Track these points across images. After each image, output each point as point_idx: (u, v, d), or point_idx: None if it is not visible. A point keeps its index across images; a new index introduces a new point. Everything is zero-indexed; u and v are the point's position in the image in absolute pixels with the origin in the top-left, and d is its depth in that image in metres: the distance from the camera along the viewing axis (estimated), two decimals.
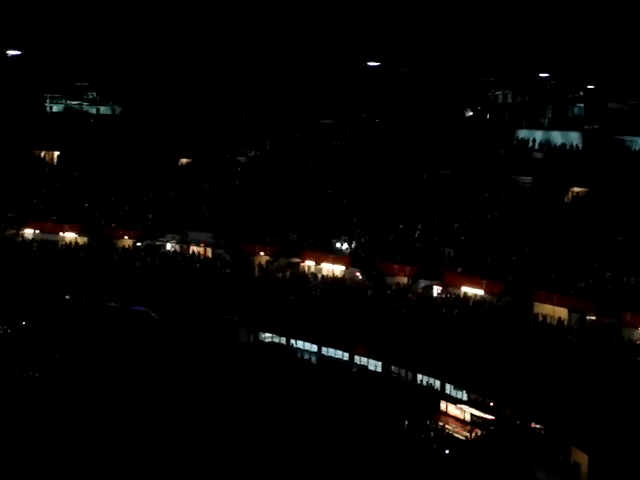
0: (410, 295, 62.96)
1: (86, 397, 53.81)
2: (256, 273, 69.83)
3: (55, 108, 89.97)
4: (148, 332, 65.23)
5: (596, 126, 73.12)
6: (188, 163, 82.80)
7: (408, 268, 64.55)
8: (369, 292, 64.35)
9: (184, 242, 74.20)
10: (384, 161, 74.54)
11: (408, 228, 67.52)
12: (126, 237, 75.53)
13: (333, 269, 68.43)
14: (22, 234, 77.04)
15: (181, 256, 73.40)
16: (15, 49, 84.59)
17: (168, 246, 74.71)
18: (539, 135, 72.61)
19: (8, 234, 76.64)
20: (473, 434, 52.06)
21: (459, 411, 54.93)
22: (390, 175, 73.10)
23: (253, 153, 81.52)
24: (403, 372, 59.55)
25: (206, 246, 73.37)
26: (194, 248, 73.76)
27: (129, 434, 48.82)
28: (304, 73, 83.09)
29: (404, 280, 64.52)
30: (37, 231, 76.88)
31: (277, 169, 78.38)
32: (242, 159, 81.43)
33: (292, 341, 65.41)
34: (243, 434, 49.42)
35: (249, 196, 75.98)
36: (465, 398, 55.80)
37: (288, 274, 68.99)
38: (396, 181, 72.48)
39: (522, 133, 73.70)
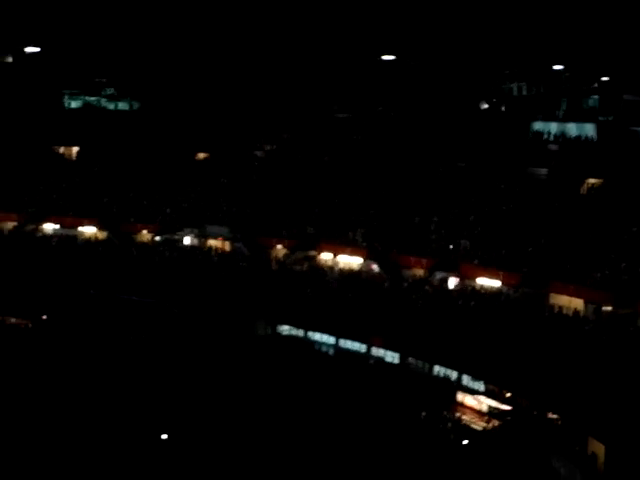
0: (427, 287, 63.30)
1: (104, 389, 54.25)
2: (273, 266, 70.22)
3: (73, 104, 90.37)
4: (167, 325, 65.68)
5: (611, 118, 73.18)
6: (205, 157, 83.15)
7: (424, 260, 64.92)
8: (386, 284, 64.70)
9: (202, 236, 74.61)
10: (400, 154, 74.76)
11: (424, 220, 67.79)
12: (145, 231, 76.01)
13: (350, 261, 68.78)
14: (42, 229, 77.64)
15: (199, 250, 73.88)
16: (33, 46, 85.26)
17: (186, 240, 75.17)
18: (554, 127, 72.66)
19: (28, 229, 77.25)
20: (490, 425, 52.35)
21: (476, 402, 55.22)
22: (406, 168, 73.33)
23: (270, 147, 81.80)
24: (420, 363, 59.78)
25: (224, 240, 73.78)
26: (212, 242, 74.21)
27: (146, 426, 49.28)
28: (319, 67, 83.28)
29: (420, 272, 64.88)
30: (57, 226, 77.43)
31: (294, 163, 78.68)
32: (259, 153, 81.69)
33: (310, 333, 65.69)
34: (259, 425, 49.78)
35: (266, 190, 76.30)
36: (482, 389, 56.05)
37: (305, 267, 69.38)
38: (412, 174, 72.71)
39: (537, 125, 73.74)
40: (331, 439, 48.30)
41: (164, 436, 47.70)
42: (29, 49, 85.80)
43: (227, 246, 73.75)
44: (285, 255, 70.95)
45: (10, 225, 77.68)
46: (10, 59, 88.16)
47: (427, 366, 59.16)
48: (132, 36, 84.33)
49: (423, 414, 52.36)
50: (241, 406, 52.40)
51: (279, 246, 71.66)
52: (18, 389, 53.53)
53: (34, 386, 54.17)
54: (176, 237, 74.91)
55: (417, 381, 57.39)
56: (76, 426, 48.81)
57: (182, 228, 75.09)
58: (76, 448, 46.28)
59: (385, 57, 79.47)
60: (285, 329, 66.64)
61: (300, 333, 65.90)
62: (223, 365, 58.85)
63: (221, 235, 73.81)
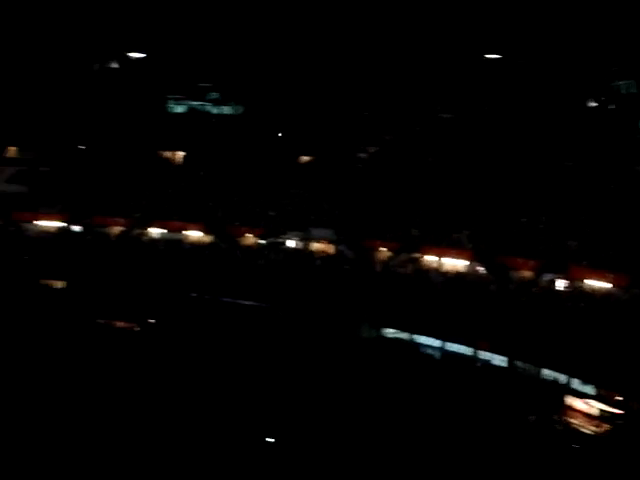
0: (534, 289, 62.28)
1: (209, 391, 54.52)
2: (377, 269, 69.87)
3: (178, 109, 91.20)
4: (272, 328, 65.79)
5: None
6: (309, 160, 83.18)
7: (532, 262, 63.90)
8: (492, 286, 63.84)
9: (306, 239, 74.71)
10: (505, 154, 73.80)
11: (531, 221, 66.77)
12: (249, 235, 76.40)
13: (455, 263, 68.09)
14: (148, 233, 78.54)
15: (303, 253, 73.92)
16: (139, 51, 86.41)
17: (290, 243, 75.31)
18: None
19: (135, 233, 78.21)
20: (601, 429, 51.24)
21: (586, 406, 54.09)
22: (512, 168, 72.38)
23: (373, 149, 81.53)
24: (528, 367, 58.80)
25: (328, 243, 73.73)
26: (316, 245, 74.21)
27: (251, 429, 49.35)
28: (422, 67, 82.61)
29: (528, 274, 63.85)
30: (163, 230, 78.27)
31: (397, 164, 78.26)
32: (362, 155, 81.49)
33: (415, 336, 65.15)
34: (366, 427, 49.49)
35: (370, 192, 76.04)
36: (592, 392, 54.88)
37: (410, 269, 68.89)
38: (518, 174, 71.74)
39: None
40: (438, 442, 47.80)
41: (270, 439, 47.69)
42: (134, 55, 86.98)
43: (331, 249, 73.63)
44: (389, 257, 70.52)
45: (117, 230, 78.71)
46: (116, 65, 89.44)
47: (535, 369, 58.19)
48: (237, 40, 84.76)
49: (532, 418, 51.53)
50: (347, 408, 52.15)
51: (383, 248, 71.26)
52: (126, 391, 54.03)
53: (141, 388, 54.64)
54: (280, 240, 75.12)
55: (525, 385, 56.50)
56: (182, 427, 49.09)
57: (286, 231, 75.25)
58: (183, 448, 46.54)
59: (490, 55, 78.54)
60: (390, 332, 66.23)
61: (405, 336, 65.45)
62: (328, 368, 58.69)
63: (325, 238, 73.78)
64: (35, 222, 80.00)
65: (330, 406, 52.54)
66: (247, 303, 68.55)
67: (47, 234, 79.04)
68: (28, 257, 75.23)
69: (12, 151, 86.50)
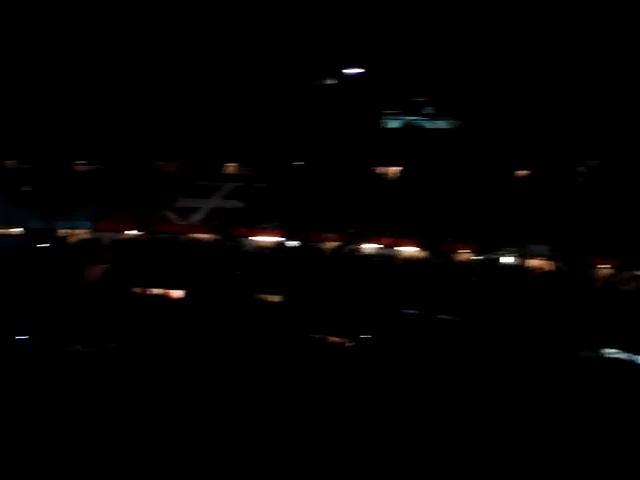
0: None
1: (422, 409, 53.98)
2: (598, 286, 67.75)
3: (393, 124, 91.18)
4: (487, 346, 64.69)
5: None
6: (526, 174, 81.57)
7: None
8: None
9: (522, 255, 73.20)
10: None
11: None
12: (464, 251, 75.42)
13: None
14: (362, 249, 78.66)
15: (519, 269, 72.42)
16: (355, 67, 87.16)
17: (506, 259, 73.88)
18: None
19: (349, 249, 78.50)
20: None
21: None
22: None
23: (594, 162, 79.22)
24: None
25: (545, 259, 72.02)
26: (532, 261, 72.59)
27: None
28: None
29: None
30: (377, 245, 78.24)
31: (619, 178, 75.73)
32: (582, 169, 79.30)
33: (637, 357, 62.71)
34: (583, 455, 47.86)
35: (590, 206, 73.86)
36: None
37: (633, 287, 66.49)
38: None
39: None
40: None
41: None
42: (350, 71, 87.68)
43: (549, 266, 71.89)
44: (610, 275, 68.25)
45: (332, 245, 79.20)
46: (333, 81, 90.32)
47: None
48: (452, 54, 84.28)
49: None
50: (563, 433, 50.61)
51: (604, 265, 69.04)
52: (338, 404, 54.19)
53: (353, 401, 54.66)
54: (495, 256, 73.87)
55: None
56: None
57: (501, 247, 73.94)
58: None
59: None
60: (610, 352, 63.94)
61: (626, 357, 63.12)
62: (545, 389, 57.17)
63: (542, 254, 72.12)
64: (252, 237, 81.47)
65: (548, 431, 51.18)
66: (460, 320, 67.65)
67: (264, 249, 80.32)
68: (243, 272, 76.69)
69: (231, 167, 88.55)
